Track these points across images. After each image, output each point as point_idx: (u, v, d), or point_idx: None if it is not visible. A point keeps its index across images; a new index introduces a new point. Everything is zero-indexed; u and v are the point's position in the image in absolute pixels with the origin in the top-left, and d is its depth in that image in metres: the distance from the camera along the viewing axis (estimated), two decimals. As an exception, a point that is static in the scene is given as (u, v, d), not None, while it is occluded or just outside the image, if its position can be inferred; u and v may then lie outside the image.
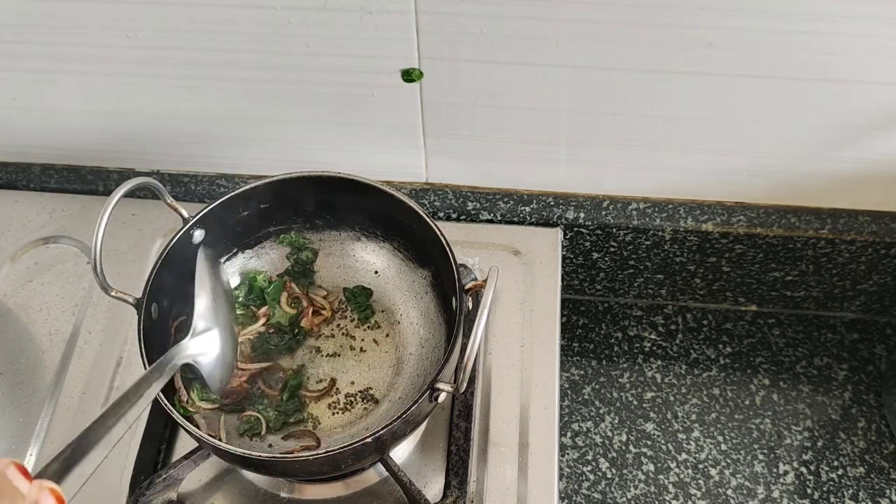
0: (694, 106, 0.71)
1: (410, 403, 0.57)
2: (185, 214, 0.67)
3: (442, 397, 0.59)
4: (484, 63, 0.69)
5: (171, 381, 0.66)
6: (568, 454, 0.80)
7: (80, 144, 0.85)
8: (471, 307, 0.71)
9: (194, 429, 0.58)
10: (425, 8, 0.65)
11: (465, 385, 0.56)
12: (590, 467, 0.80)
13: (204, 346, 0.60)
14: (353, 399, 0.70)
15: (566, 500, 0.77)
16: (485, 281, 0.58)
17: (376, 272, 0.76)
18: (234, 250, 0.74)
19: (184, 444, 0.71)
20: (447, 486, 0.67)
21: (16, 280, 0.82)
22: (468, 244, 0.81)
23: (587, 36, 0.65)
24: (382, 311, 0.74)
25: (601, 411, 0.83)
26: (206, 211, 0.67)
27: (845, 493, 0.77)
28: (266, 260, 0.76)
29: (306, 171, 0.69)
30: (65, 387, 0.74)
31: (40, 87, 0.78)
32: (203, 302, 0.61)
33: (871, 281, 0.84)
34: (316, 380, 0.71)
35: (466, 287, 0.63)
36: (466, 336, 0.56)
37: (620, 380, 0.85)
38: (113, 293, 0.62)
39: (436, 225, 0.65)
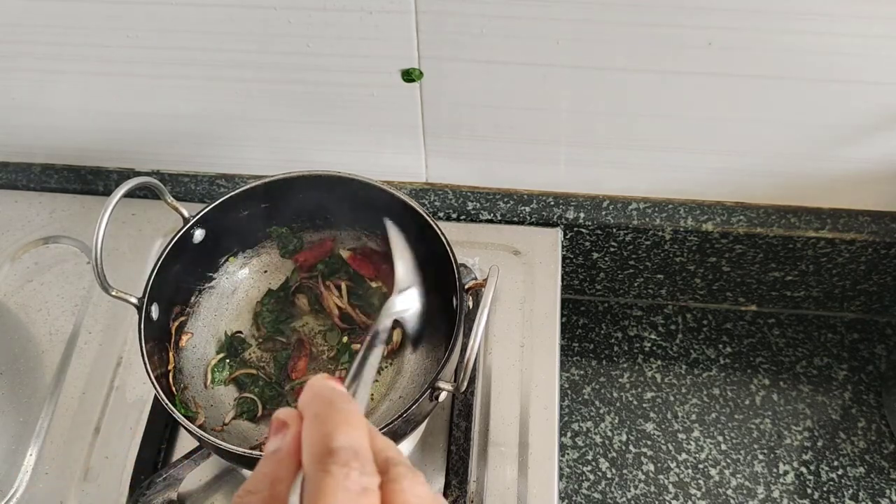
0: (694, 106, 0.71)
1: (411, 403, 0.57)
2: (186, 214, 0.67)
3: (442, 396, 0.59)
4: (484, 63, 0.69)
5: (171, 381, 0.66)
6: (568, 454, 0.80)
7: (80, 144, 0.85)
8: (471, 307, 0.71)
9: (195, 428, 0.58)
10: (425, 8, 0.65)
11: (465, 384, 0.56)
12: (590, 467, 0.80)
13: (407, 302, 0.60)
14: (353, 399, 0.70)
15: (566, 500, 0.77)
16: (485, 280, 0.58)
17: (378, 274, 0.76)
18: (235, 250, 0.74)
19: (184, 444, 0.71)
20: (447, 485, 0.67)
21: (16, 280, 0.82)
22: (468, 244, 0.81)
23: (587, 36, 0.65)
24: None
25: (601, 411, 0.83)
26: (206, 210, 0.67)
27: (845, 493, 0.77)
28: (266, 260, 0.76)
29: (306, 170, 0.69)
30: (65, 387, 0.74)
31: (40, 87, 0.78)
32: (402, 263, 0.62)
33: (871, 281, 0.84)
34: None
35: (467, 287, 0.63)
36: (467, 335, 0.56)
37: (620, 380, 0.85)
38: (113, 293, 0.62)
39: (436, 225, 0.65)
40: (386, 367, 0.71)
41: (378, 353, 0.49)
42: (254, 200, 0.71)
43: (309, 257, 0.76)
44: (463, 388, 0.56)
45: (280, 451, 0.32)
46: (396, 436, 0.61)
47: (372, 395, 0.70)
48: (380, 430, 0.56)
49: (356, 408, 0.33)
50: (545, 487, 0.68)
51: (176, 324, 0.69)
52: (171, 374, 0.67)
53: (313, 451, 0.31)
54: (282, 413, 0.34)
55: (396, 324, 0.60)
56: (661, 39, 0.65)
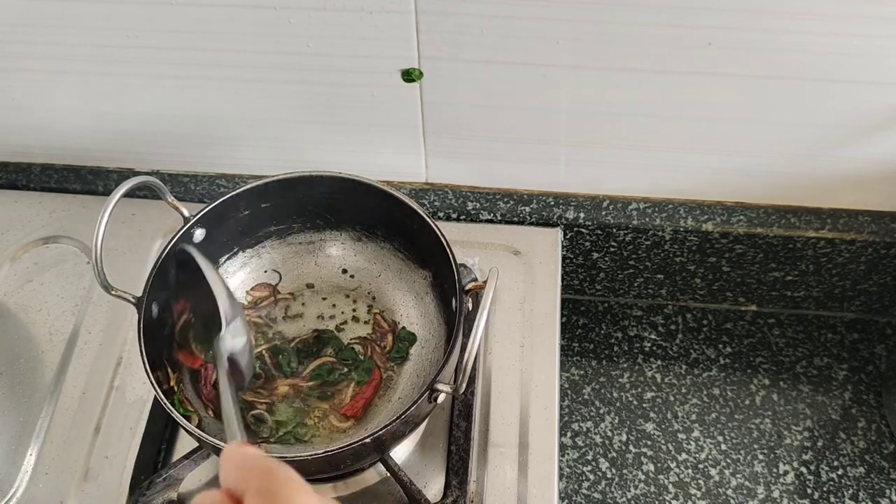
0: (694, 106, 0.71)
1: (410, 404, 0.57)
2: (186, 213, 0.67)
3: (441, 398, 0.59)
4: (484, 63, 0.69)
5: (169, 381, 0.66)
6: (568, 454, 0.80)
7: (80, 144, 0.85)
8: (471, 308, 0.71)
9: (194, 429, 0.58)
10: (425, 8, 0.65)
11: (464, 386, 0.56)
12: (590, 467, 0.80)
13: (236, 334, 0.59)
14: (353, 399, 0.70)
15: (566, 500, 0.77)
16: (485, 282, 0.58)
17: (379, 274, 0.76)
18: (235, 249, 0.74)
19: (184, 444, 0.71)
20: (447, 485, 0.67)
21: (16, 280, 0.82)
22: (468, 244, 0.81)
23: (587, 36, 0.65)
24: (387, 314, 0.75)
25: (601, 411, 0.83)
26: (206, 210, 0.67)
27: (845, 493, 0.77)
28: (267, 260, 0.76)
29: (307, 171, 0.69)
30: (65, 387, 0.74)
31: (40, 87, 0.78)
32: (222, 294, 0.60)
33: (871, 281, 0.84)
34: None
35: (466, 288, 0.63)
36: (466, 337, 0.56)
37: (620, 380, 0.85)
38: (113, 292, 0.62)
39: (436, 225, 0.65)
40: (386, 368, 0.71)
41: (229, 394, 0.48)
42: (254, 200, 0.71)
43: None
44: (461, 390, 0.56)
45: None
46: (395, 437, 0.61)
47: (371, 396, 0.70)
48: (378, 430, 0.57)
49: (293, 472, 0.32)
50: (545, 487, 0.68)
51: (181, 322, 0.69)
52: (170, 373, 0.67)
53: None
54: (205, 500, 0.32)
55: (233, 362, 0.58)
56: (661, 39, 0.65)
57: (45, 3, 0.69)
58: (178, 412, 0.58)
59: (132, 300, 0.63)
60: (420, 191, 0.84)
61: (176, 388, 0.66)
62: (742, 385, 0.84)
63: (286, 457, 0.58)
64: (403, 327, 0.73)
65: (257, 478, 0.31)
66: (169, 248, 0.65)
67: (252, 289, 0.75)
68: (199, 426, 0.63)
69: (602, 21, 0.64)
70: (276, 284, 0.76)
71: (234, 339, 0.59)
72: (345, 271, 0.76)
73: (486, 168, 0.81)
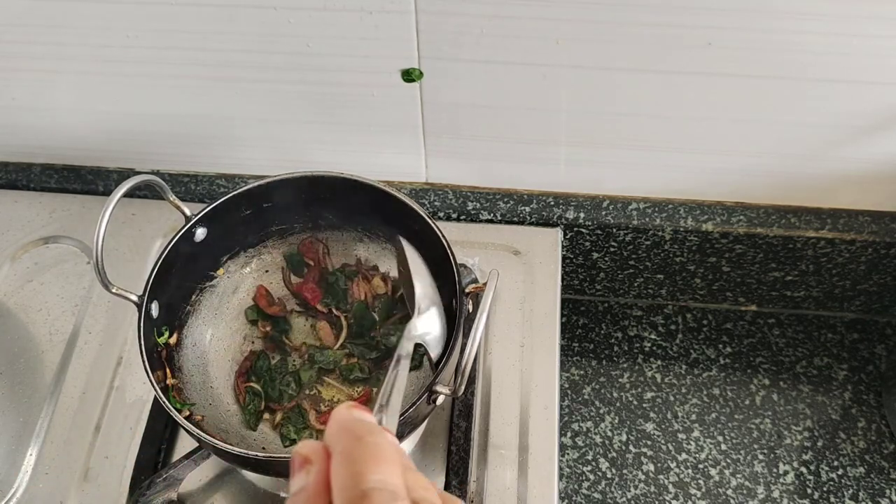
0: (694, 106, 0.71)
1: (408, 406, 0.57)
2: (188, 213, 0.67)
3: (440, 400, 0.59)
4: (484, 63, 0.69)
5: (166, 378, 0.66)
6: (568, 454, 0.80)
7: (80, 144, 0.85)
8: (471, 309, 0.71)
9: (194, 429, 0.58)
10: (425, 8, 0.65)
11: (462, 388, 0.56)
12: (590, 467, 0.80)
13: (428, 325, 0.58)
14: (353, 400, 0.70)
15: (566, 500, 0.77)
16: (485, 284, 0.58)
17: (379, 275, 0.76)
18: (236, 249, 0.74)
19: (184, 444, 0.71)
20: (447, 485, 0.67)
21: (16, 280, 0.82)
22: (468, 244, 0.81)
23: (587, 36, 0.66)
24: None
25: (601, 411, 0.83)
26: (208, 209, 0.67)
27: (845, 493, 0.77)
28: (268, 259, 0.76)
29: (308, 170, 0.69)
30: (65, 387, 0.74)
31: (40, 87, 0.78)
32: (420, 283, 0.60)
33: (871, 281, 0.84)
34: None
35: (466, 290, 0.63)
36: (465, 338, 0.56)
37: (620, 380, 0.85)
38: (114, 290, 0.62)
39: (436, 226, 0.65)
40: (385, 368, 0.71)
41: (404, 377, 0.47)
42: (256, 200, 0.71)
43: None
44: (460, 392, 0.56)
45: (306, 491, 0.30)
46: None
47: (372, 396, 0.70)
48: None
49: (387, 440, 0.31)
50: (545, 487, 0.68)
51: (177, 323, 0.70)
52: (169, 373, 0.67)
53: (345, 493, 0.29)
54: (304, 448, 0.31)
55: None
56: (661, 39, 0.65)
57: (45, 3, 0.69)
58: (174, 408, 0.59)
59: (133, 299, 0.63)
60: (420, 191, 0.84)
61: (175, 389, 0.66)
62: (742, 385, 0.84)
63: (283, 457, 0.58)
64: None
65: (347, 440, 0.31)
66: (169, 247, 0.65)
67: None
68: (198, 426, 0.63)
69: (602, 21, 0.64)
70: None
71: (425, 327, 0.58)
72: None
73: (486, 168, 0.81)
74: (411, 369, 0.59)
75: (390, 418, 0.41)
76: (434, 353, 0.59)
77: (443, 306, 0.60)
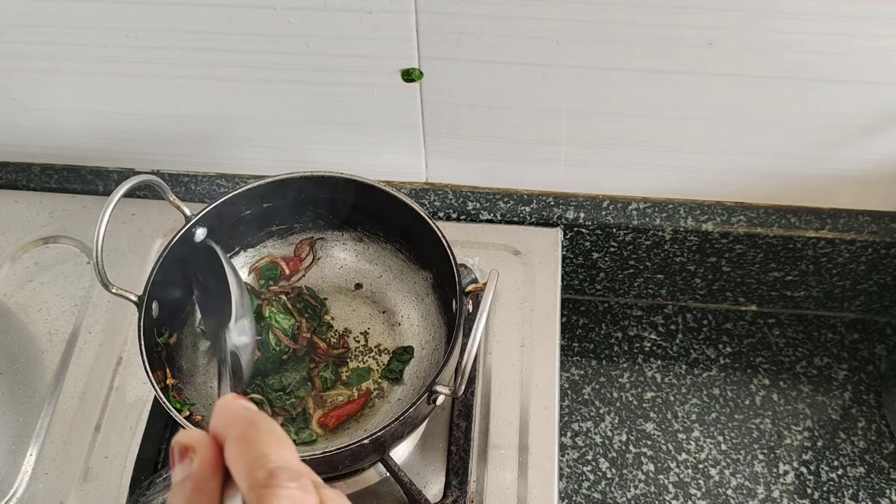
0: (694, 106, 0.71)
1: (409, 405, 0.57)
2: (188, 212, 0.67)
3: (440, 400, 0.59)
4: (484, 63, 0.69)
5: (166, 378, 0.66)
6: (568, 454, 0.80)
7: (80, 144, 0.85)
8: (471, 310, 0.71)
9: (194, 429, 0.58)
10: (425, 8, 0.65)
11: (462, 388, 0.56)
12: (590, 467, 0.80)
13: (242, 333, 0.59)
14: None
15: (566, 500, 0.77)
16: (485, 284, 0.58)
17: (380, 275, 0.76)
18: (236, 249, 0.75)
19: (184, 444, 0.71)
20: (447, 485, 0.67)
21: (16, 280, 0.82)
22: (468, 244, 0.81)
23: (587, 36, 0.66)
24: (385, 314, 0.75)
25: (601, 411, 0.83)
26: (208, 209, 0.67)
27: (845, 493, 0.77)
28: (256, 260, 0.76)
29: (308, 171, 0.69)
30: (65, 387, 0.74)
31: (40, 87, 0.78)
32: (236, 290, 0.60)
33: (871, 281, 0.84)
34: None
35: (466, 290, 0.63)
36: (465, 338, 0.56)
37: (620, 380, 0.85)
38: (114, 290, 0.62)
39: (437, 226, 0.65)
40: (378, 386, 0.71)
41: (227, 384, 0.49)
42: (256, 200, 0.71)
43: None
44: (460, 392, 0.56)
45: (191, 479, 0.31)
46: (394, 438, 0.61)
47: (373, 395, 0.70)
48: (377, 432, 0.57)
49: (278, 427, 0.32)
50: (545, 488, 0.68)
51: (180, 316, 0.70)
52: (169, 373, 0.67)
53: (251, 474, 0.29)
54: (184, 437, 0.32)
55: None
56: (661, 39, 0.65)
57: (45, 3, 0.69)
58: (176, 409, 0.59)
59: (133, 299, 0.63)
60: (420, 191, 0.84)
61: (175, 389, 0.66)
62: (742, 385, 0.84)
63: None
64: (400, 346, 0.72)
65: (240, 426, 0.31)
66: (170, 247, 0.65)
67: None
68: (198, 426, 0.63)
69: (602, 21, 0.64)
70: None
71: (239, 336, 0.59)
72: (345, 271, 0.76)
73: (486, 168, 0.81)
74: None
75: None
76: (244, 360, 0.59)
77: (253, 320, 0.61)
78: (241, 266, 0.75)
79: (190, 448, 0.31)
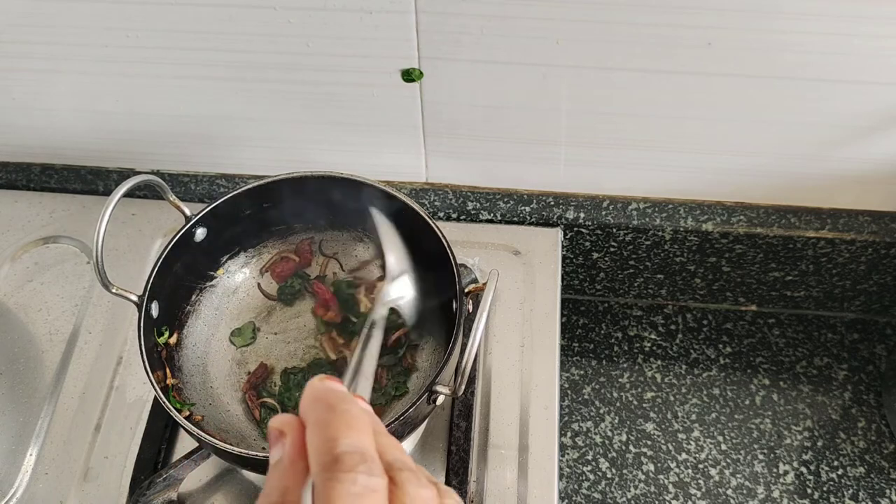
0: (694, 106, 0.71)
1: (408, 406, 0.57)
2: (188, 212, 0.67)
3: (440, 400, 0.59)
4: (484, 63, 0.69)
5: (166, 378, 0.66)
6: (568, 454, 0.80)
7: (80, 144, 0.85)
8: (471, 310, 0.71)
9: (194, 429, 0.58)
10: (425, 8, 0.65)
11: (462, 388, 0.56)
12: (590, 467, 0.80)
13: (400, 290, 0.59)
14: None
15: (566, 500, 0.77)
16: (485, 284, 0.58)
17: (380, 276, 0.76)
18: (236, 249, 0.75)
19: (184, 444, 0.71)
20: (447, 485, 0.67)
21: (16, 280, 0.82)
22: (468, 244, 0.81)
23: (587, 36, 0.65)
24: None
25: (601, 411, 0.83)
26: (208, 209, 0.67)
27: (845, 493, 0.77)
28: (268, 259, 0.76)
29: (307, 171, 0.69)
30: (65, 387, 0.74)
31: (40, 87, 0.78)
32: (392, 250, 0.61)
33: (871, 281, 0.84)
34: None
35: (466, 290, 0.63)
36: (465, 339, 0.56)
37: (620, 380, 0.85)
38: (114, 290, 0.62)
39: (437, 227, 0.65)
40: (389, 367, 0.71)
41: (377, 343, 0.48)
42: (256, 200, 0.71)
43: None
44: (460, 392, 0.56)
45: (282, 461, 0.32)
46: (394, 437, 0.61)
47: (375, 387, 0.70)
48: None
49: (358, 407, 0.33)
50: (545, 488, 0.68)
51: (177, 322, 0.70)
52: (169, 373, 0.67)
53: (319, 458, 0.31)
54: (276, 422, 0.33)
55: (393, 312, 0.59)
56: (661, 39, 0.65)
57: (45, 3, 0.69)
58: (176, 408, 0.59)
59: (133, 299, 0.63)
60: (420, 191, 0.84)
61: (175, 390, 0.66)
62: (742, 385, 0.84)
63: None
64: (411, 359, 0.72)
65: (320, 408, 0.33)
66: (170, 247, 0.65)
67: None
68: (198, 426, 0.63)
69: (602, 21, 0.64)
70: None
71: (397, 292, 0.59)
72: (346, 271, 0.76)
73: (486, 168, 0.81)
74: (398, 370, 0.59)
75: (363, 384, 0.43)
76: (407, 315, 0.60)
77: (414, 274, 0.61)
78: (243, 265, 0.75)
79: (282, 433, 0.33)
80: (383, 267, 0.61)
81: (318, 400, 0.33)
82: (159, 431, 0.71)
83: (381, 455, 0.32)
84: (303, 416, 0.33)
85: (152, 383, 0.59)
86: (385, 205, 0.69)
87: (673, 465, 0.79)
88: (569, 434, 0.82)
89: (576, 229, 0.82)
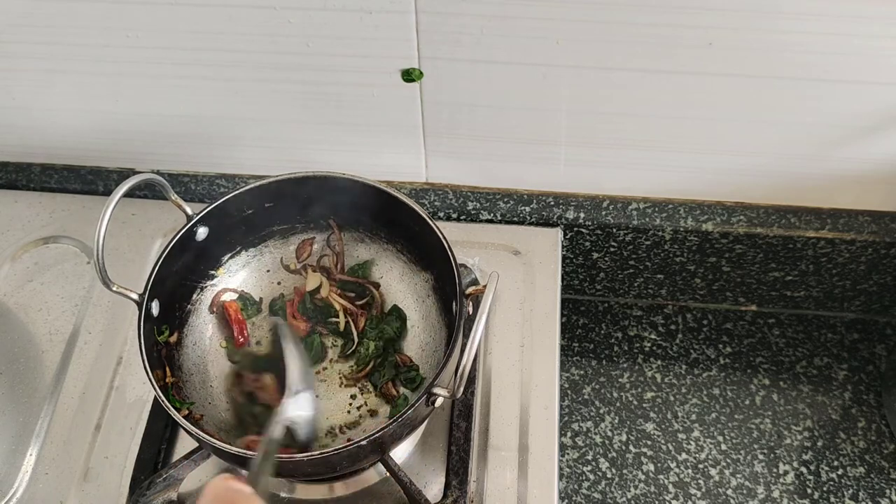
0: (694, 106, 0.71)
1: (407, 407, 0.57)
2: (189, 212, 0.67)
3: (439, 402, 0.59)
4: (484, 63, 0.69)
5: (166, 377, 0.66)
6: (568, 454, 0.80)
7: (80, 144, 0.85)
8: (471, 311, 0.71)
9: (194, 429, 0.58)
10: (425, 8, 0.65)
11: (461, 390, 0.56)
12: (590, 467, 0.80)
13: (300, 406, 0.60)
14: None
15: (566, 500, 0.77)
16: (485, 286, 0.58)
17: (381, 276, 0.76)
18: (238, 248, 0.75)
19: (184, 444, 0.71)
20: (447, 485, 0.67)
21: (16, 280, 0.82)
22: (468, 244, 0.81)
23: (587, 36, 0.66)
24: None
25: (601, 411, 0.83)
26: (210, 208, 0.68)
27: (845, 493, 0.77)
28: (269, 259, 0.76)
29: (308, 171, 0.69)
30: (65, 387, 0.74)
31: (40, 87, 0.78)
32: (294, 364, 0.61)
33: (871, 281, 0.84)
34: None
35: (467, 292, 0.63)
36: (465, 340, 0.56)
37: (620, 380, 0.85)
38: (115, 288, 0.62)
39: (437, 227, 0.65)
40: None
41: (274, 450, 0.52)
42: (257, 200, 0.71)
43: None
44: (459, 394, 0.56)
45: None
46: (393, 439, 0.61)
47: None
48: (375, 433, 0.56)
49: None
50: (545, 488, 0.68)
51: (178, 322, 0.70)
52: (169, 372, 0.67)
53: None
54: None
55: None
56: (661, 39, 0.65)
57: (45, 3, 0.69)
58: (175, 407, 0.59)
59: (133, 297, 0.63)
60: (420, 191, 0.84)
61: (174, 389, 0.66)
62: (742, 385, 0.84)
63: (283, 457, 0.58)
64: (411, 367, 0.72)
65: None
66: (171, 246, 0.65)
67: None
68: (197, 425, 0.63)
69: (602, 21, 0.64)
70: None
71: (297, 410, 0.59)
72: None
73: (486, 168, 0.81)
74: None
75: (261, 485, 0.46)
76: (303, 433, 0.60)
77: (313, 390, 0.61)
78: (243, 265, 0.75)
79: None
80: (282, 381, 0.61)
81: (220, 499, 0.35)
82: (159, 431, 0.71)
83: None
84: None
85: (151, 381, 0.59)
86: (386, 206, 0.69)
87: (673, 465, 0.79)
88: (569, 434, 0.82)
89: (576, 229, 0.82)
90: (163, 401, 0.58)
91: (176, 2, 0.67)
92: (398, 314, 0.73)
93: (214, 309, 0.73)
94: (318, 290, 0.74)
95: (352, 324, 0.72)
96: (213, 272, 0.74)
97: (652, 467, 0.79)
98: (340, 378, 0.71)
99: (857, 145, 0.72)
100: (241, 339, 0.72)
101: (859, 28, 0.62)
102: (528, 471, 0.68)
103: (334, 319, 0.73)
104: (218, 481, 0.36)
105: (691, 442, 0.81)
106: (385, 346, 0.71)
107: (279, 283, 0.76)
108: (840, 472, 0.78)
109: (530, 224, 0.83)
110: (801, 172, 0.76)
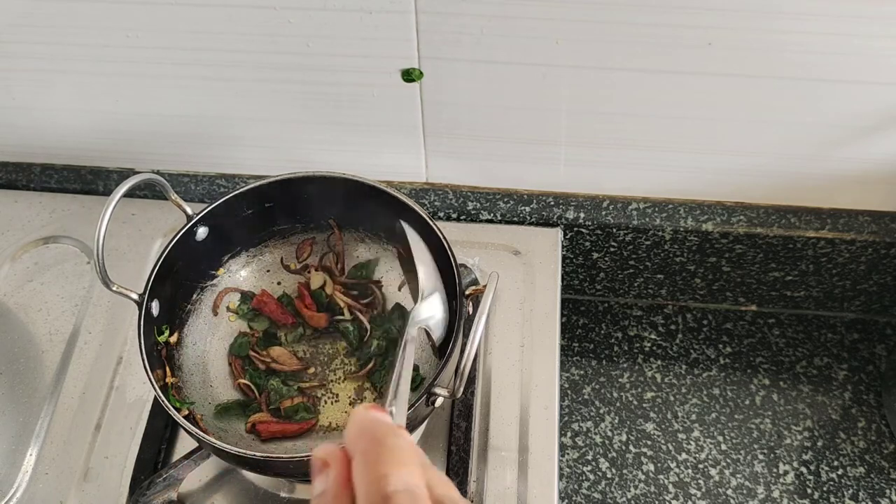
0: (694, 106, 0.71)
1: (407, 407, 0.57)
2: (189, 211, 0.67)
3: (438, 402, 0.59)
4: (484, 63, 0.69)
5: (166, 377, 0.66)
6: (568, 454, 0.80)
7: (80, 144, 0.85)
8: (471, 311, 0.71)
9: (194, 429, 0.58)
10: (425, 8, 0.65)
11: (461, 390, 0.56)
12: (590, 467, 0.80)
13: (431, 309, 0.59)
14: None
15: (566, 500, 0.77)
16: (485, 286, 0.58)
17: (381, 276, 0.76)
18: (238, 248, 0.75)
19: (184, 444, 0.71)
20: (447, 485, 0.67)
21: (16, 280, 0.82)
22: (468, 244, 0.81)
23: (587, 36, 0.66)
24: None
25: (601, 411, 0.83)
26: (210, 208, 0.67)
27: (845, 493, 0.77)
28: (269, 258, 0.76)
29: (308, 171, 0.69)
30: (65, 387, 0.74)
31: (40, 87, 0.78)
32: (423, 268, 0.60)
33: (871, 281, 0.84)
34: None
35: (466, 292, 0.63)
36: (465, 340, 0.56)
37: (620, 380, 0.85)
38: (115, 288, 0.62)
39: (436, 226, 0.65)
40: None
41: (410, 363, 0.48)
42: (258, 199, 0.71)
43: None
44: (459, 394, 0.56)
45: (326, 494, 0.31)
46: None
47: (373, 397, 0.70)
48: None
49: (406, 441, 0.32)
50: (545, 488, 0.68)
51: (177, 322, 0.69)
52: (169, 372, 0.67)
53: (369, 497, 0.30)
54: (321, 452, 0.33)
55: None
56: (661, 39, 0.65)
57: (45, 3, 0.69)
58: (175, 407, 0.59)
59: (133, 297, 0.63)
60: (420, 191, 0.84)
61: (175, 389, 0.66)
62: (742, 385, 0.84)
63: (282, 457, 0.58)
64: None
65: (366, 441, 0.32)
66: (171, 246, 0.65)
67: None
68: (198, 425, 0.63)
69: (602, 21, 0.64)
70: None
71: (429, 312, 0.58)
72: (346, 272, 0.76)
73: (486, 168, 0.81)
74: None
75: (399, 409, 0.42)
76: (436, 336, 0.59)
77: (444, 291, 0.60)
78: (244, 265, 0.75)
79: (326, 463, 0.32)
80: (414, 283, 0.60)
81: (365, 431, 0.32)
82: (159, 431, 0.71)
83: (430, 491, 0.31)
84: (349, 447, 0.32)
85: (151, 381, 0.59)
86: (387, 206, 0.69)
87: (673, 465, 0.79)
88: (569, 434, 0.82)
89: (576, 229, 0.82)
90: (163, 401, 0.58)
91: (176, 2, 0.67)
92: (401, 313, 0.73)
93: (217, 311, 0.73)
94: (322, 287, 0.74)
95: (362, 319, 0.72)
96: (213, 272, 0.74)
97: (652, 467, 0.79)
98: (344, 376, 0.71)
99: (857, 145, 0.72)
100: (292, 321, 0.73)
101: (859, 28, 0.62)
102: (528, 471, 0.68)
103: (339, 317, 0.73)
104: (361, 411, 0.33)
105: (691, 442, 0.81)
106: (388, 345, 0.71)
107: (279, 283, 0.76)
108: (840, 472, 0.78)
109: (530, 224, 0.83)
110: (801, 172, 0.76)
